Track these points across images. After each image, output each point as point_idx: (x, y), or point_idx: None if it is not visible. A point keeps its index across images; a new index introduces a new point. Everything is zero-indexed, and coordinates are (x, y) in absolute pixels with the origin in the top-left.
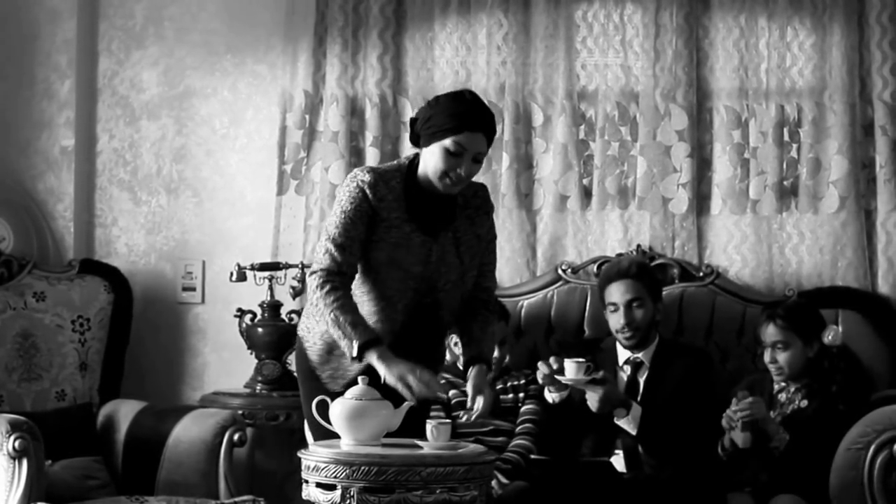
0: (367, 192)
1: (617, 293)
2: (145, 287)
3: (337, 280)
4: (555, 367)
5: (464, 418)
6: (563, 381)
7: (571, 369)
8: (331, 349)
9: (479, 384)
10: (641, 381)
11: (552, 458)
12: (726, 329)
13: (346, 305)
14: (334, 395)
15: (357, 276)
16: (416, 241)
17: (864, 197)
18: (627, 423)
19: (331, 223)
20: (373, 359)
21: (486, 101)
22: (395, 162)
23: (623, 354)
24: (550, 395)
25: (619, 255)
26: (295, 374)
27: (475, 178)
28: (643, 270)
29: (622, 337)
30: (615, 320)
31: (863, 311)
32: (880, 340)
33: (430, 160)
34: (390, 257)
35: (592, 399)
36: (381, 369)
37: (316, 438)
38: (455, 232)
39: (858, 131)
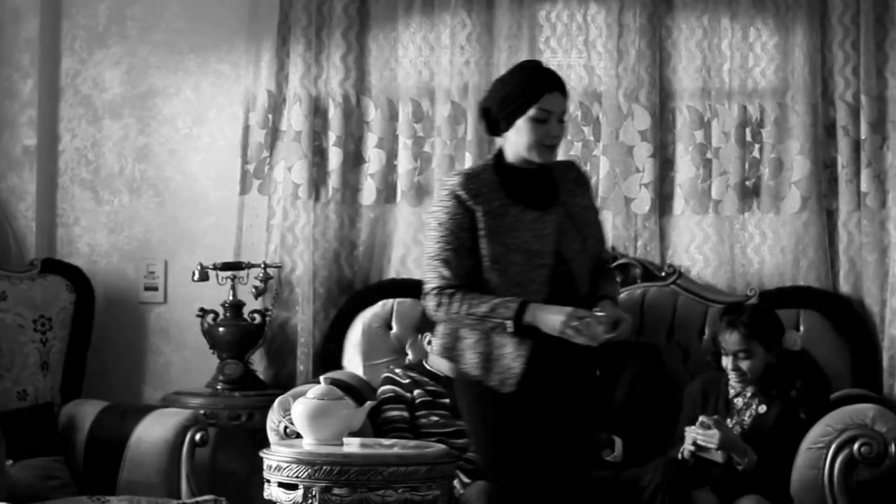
0: (460, 193)
1: None
2: (107, 287)
3: (450, 289)
4: None
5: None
6: None
7: None
8: (488, 357)
9: (613, 310)
10: None
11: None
12: (688, 328)
13: (473, 299)
14: (506, 398)
15: (482, 278)
16: (527, 218)
17: (826, 197)
18: (615, 458)
19: (431, 239)
20: (531, 321)
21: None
22: (480, 161)
23: None
24: None
25: None
26: (458, 405)
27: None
28: None
29: None
30: None
31: (824, 311)
32: (841, 340)
33: (520, 137)
34: (507, 244)
35: None
36: (542, 327)
37: (496, 466)
38: (563, 205)
39: (820, 132)
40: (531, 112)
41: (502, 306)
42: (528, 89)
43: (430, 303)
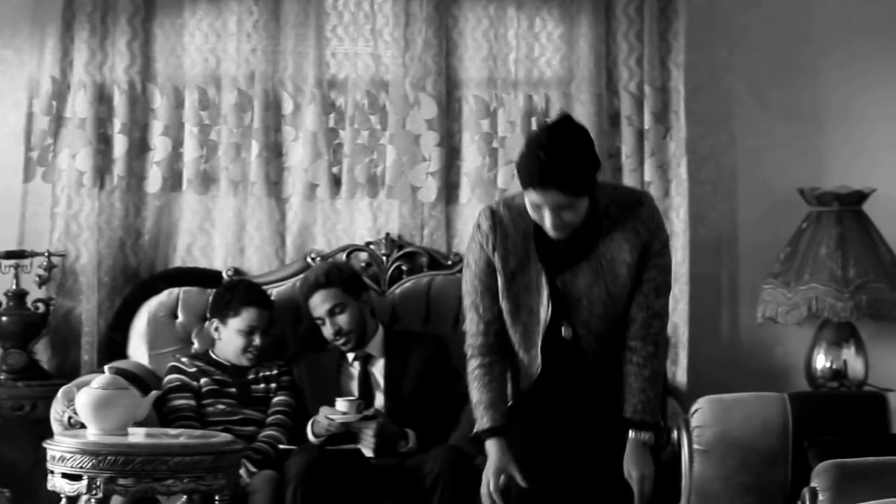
0: (484, 241)
1: (316, 307)
2: None
3: (474, 347)
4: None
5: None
6: (338, 420)
7: (343, 407)
8: None
9: (628, 468)
10: (374, 371)
11: (300, 447)
12: None
13: (479, 379)
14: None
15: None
16: (543, 281)
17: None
18: (410, 450)
19: (464, 276)
20: (487, 447)
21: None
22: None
23: (349, 352)
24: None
25: (368, 243)
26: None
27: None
28: (330, 276)
29: (339, 345)
30: (326, 332)
31: None
32: None
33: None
34: (517, 303)
35: (367, 437)
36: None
37: None
38: (600, 258)
39: (605, 121)
40: (526, 194)
41: (480, 409)
42: (521, 175)
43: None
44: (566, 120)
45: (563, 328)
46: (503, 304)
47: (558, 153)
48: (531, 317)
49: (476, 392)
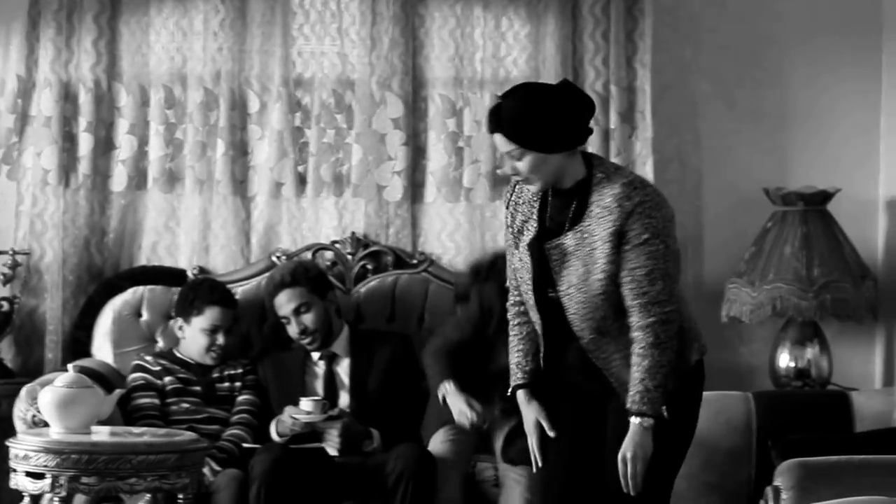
0: (506, 200)
1: (282, 306)
2: None
3: (509, 306)
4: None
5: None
6: (303, 420)
7: (308, 407)
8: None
9: (624, 449)
10: (339, 370)
11: (264, 445)
12: (439, 315)
13: (509, 343)
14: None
15: None
16: (532, 240)
17: None
18: (376, 450)
19: None
20: (518, 400)
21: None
22: None
23: (315, 351)
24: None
25: (334, 242)
26: None
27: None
28: (296, 275)
29: (304, 344)
30: (291, 331)
31: None
32: None
33: None
34: (522, 261)
35: (332, 437)
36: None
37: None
38: (584, 230)
39: None
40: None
41: (516, 366)
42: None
43: None
44: (562, 82)
45: (548, 290)
46: (513, 260)
47: (512, 101)
48: (527, 274)
49: (511, 350)
